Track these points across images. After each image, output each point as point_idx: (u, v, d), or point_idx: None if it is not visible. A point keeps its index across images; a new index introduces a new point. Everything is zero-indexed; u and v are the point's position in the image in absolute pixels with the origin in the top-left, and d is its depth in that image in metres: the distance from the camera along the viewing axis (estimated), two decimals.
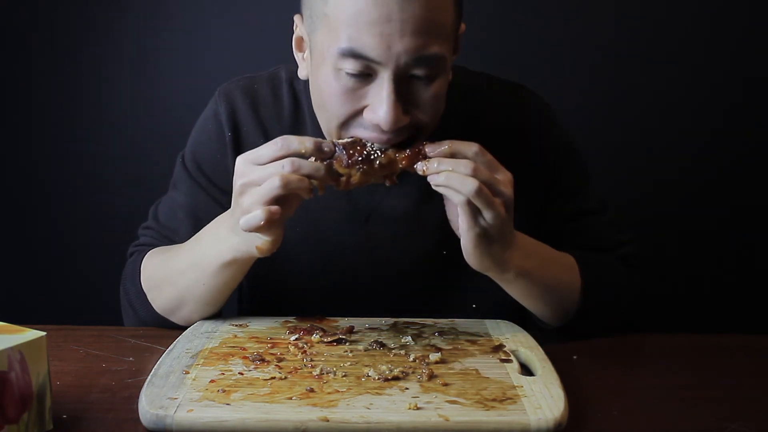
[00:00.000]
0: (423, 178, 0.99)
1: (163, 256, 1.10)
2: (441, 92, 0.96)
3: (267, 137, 1.10)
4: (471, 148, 0.91)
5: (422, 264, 1.13)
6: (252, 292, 1.21)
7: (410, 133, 0.96)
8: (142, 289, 1.09)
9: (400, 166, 0.94)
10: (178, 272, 1.05)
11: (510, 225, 0.94)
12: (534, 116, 1.15)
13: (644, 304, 1.16)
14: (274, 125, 1.13)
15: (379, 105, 0.92)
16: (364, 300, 1.13)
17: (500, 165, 0.92)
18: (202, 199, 1.15)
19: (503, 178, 0.92)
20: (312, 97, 1.02)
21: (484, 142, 1.03)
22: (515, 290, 1.04)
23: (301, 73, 1.04)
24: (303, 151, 0.89)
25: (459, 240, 0.96)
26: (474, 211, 0.90)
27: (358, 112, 0.95)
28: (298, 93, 1.13)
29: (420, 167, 0.92)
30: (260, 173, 0.89)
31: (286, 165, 0.88)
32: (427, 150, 0.92)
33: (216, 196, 1.14)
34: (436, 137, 0.99)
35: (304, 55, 1.03)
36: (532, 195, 1.11)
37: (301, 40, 1.03)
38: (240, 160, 0.91)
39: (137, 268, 1.11)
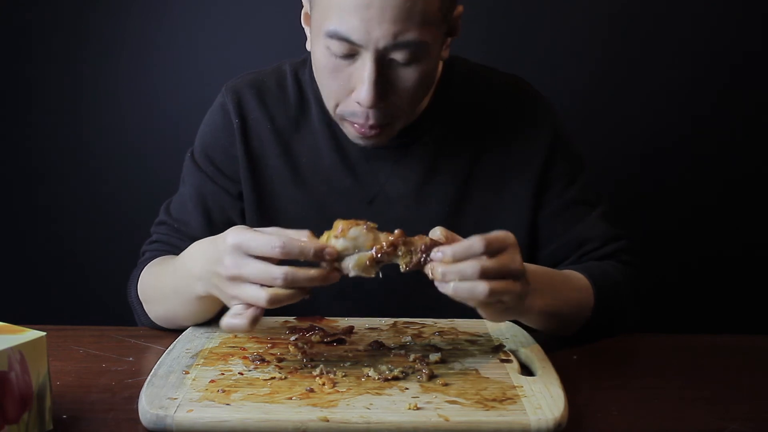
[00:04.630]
0: (426, 160, 1.11)
1: (155, 272, 1.11)
2: (423, 76, 1.01)
3: (273, 123, 1.17)
4: (475, 247, 0.84)
5: None
6: None
7: (391, 114, 1.02)
8: (139, 298, 1.12)
9: (404, 268, 0.86)
10: (163, 294, 1.06)
11: (526, 287, 0.90)
12: (530, 104, 1.19)
13: (637, 300, 1.16)
14: (280, 111, 1.18)
15: (361, 83, 0.98)
16: (369, 286, 1.13)
17: (503, 238, 0.87)
18: (210, 189, 1.18)
19: (509, 256, 0.87)
20: (316, 76, 1.08)
21: (482, 128, 1.14)
22: (531, 323, 1.04)
23: (307, 45, 1.08)
24: (303, 259, 0.85)
25: (461, 220, 1.11)
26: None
27: (349, 93, 1.01)
28: (302, 81, 1.18)
29: (428, 270, 0.85)
30: (252, 272, 0.84)
31: (277, 278, 0.83)
32: (432, 256, 0.85)
33: (224, 186, 1.18)
34: (437, 125, 1.09)
35: (310, 34, 1.07)
36: (527, 180, 1.16)
37: (308, 15, 1.07)
38: (233, 244, 0.85)
39: (138, 275, 1.14)
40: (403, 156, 1.15)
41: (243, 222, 1.17)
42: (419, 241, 0.85)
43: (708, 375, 0.98)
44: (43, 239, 1.94)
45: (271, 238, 0.84)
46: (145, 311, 1.11)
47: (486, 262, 0.84)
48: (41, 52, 1.85)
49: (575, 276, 1.08)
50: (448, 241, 0.87)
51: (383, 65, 0.98)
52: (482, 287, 0.83)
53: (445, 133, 1.16)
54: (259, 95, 1.18)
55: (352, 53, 0.98)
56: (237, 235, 0.86)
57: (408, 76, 1.00)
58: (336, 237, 0.85)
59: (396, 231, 0.86)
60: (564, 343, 1.05)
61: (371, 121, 1.02)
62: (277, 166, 1.17)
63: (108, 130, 1.89)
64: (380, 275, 0.87)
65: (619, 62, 1.83)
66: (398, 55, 0.97)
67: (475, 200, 1.16)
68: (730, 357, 1.04)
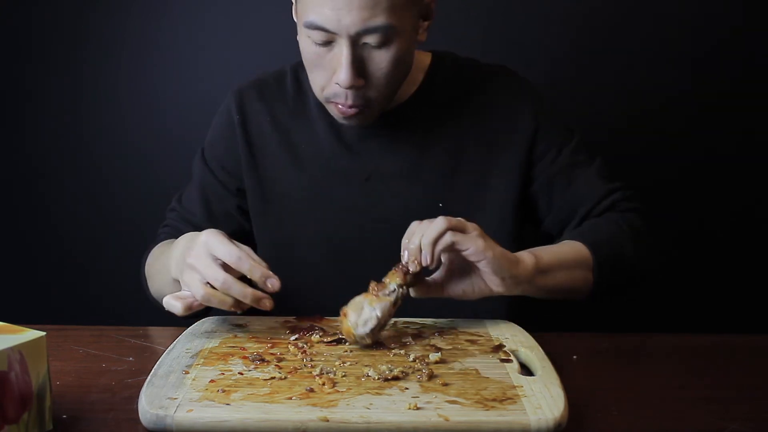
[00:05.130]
0: (417, 137, 1.22)
1: (156, 253, 1.22)
2: (396, 57, 1.09)
3: (273, 115, 1.26)
4: (439, 220, 1.00)
5: (420, 216, 1.13)
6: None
7: (369, 95, 1.11)
8: (145, 275, 1.24)
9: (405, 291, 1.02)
10: (157, 273, 1.18)
11: (495, 251, 1.01)
12: (514, 84, 1.26)
13: (650, 244, 1.19)
14: (278, 104, 1.27)
15: (339, 67, 1.08)
16: (367, 262, 1.16)
17: (466, 225, 1.01)
18: (210, 182, 1.28)
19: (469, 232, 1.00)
20: (305, 66, 1.16)
21: (470, 106, 1.23)
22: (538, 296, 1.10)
23: (299, 37, 1.14)
24: (249, 276, 0.96)
25: (454, 191, 1.21)
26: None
27: (331, 77, 1.10)
28: (301, 78, 1.27)
29: (410, 266, 1.00)
30: (203, 268, 0.96)
31: (218, 281, 0.95)
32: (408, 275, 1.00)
33: (223, 179, 1.28)
34: (426, 106, 1.21)
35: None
36: (515, 154, 1.22)
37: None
38: (204, 240, 0.97)
39: (147, 255, 1.25)
40: (396, 135, 1.22)
41: (241, 216, 1.28)
42: (392, 280, 1.00)
43: (708, 375, 0.98)
44: (43, 239, 1.94)
45: (236, 252, 0.96)
46: (150, 290, 1.23)
47: (441, 226, 0.99)
48: (41, 52, 1.85)
49: (570, 245, 1.13)
50: (445, 246, 0.99)
51: (357, 49, 1.07)
52: (441, 221, 0.99)
53: (434, 113, 1.23)
54: (260, 92, 1.28)
55: (329, 40, 1.07)
56: (210, 236, 0.98)
57: (381, 57, 1.08)
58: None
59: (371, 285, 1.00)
60: (564, 343, 1.05)
61: (350, 101, 1.10)
62: (276, 154, 1.25)
63: (108, 130, 1.88)
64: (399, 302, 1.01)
65: (620, 61, 1.83)
66: (370, 39, 1.06)
67: (467, 174, 1.22)
68: (730, 357, 1.04)
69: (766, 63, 1.82)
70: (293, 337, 1.01)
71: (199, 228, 1.19)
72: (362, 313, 0.96)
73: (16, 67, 1.87)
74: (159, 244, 1.24)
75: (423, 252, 0.98)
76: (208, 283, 0.96)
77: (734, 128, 1.84)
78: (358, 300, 0.98)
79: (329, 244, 1.23)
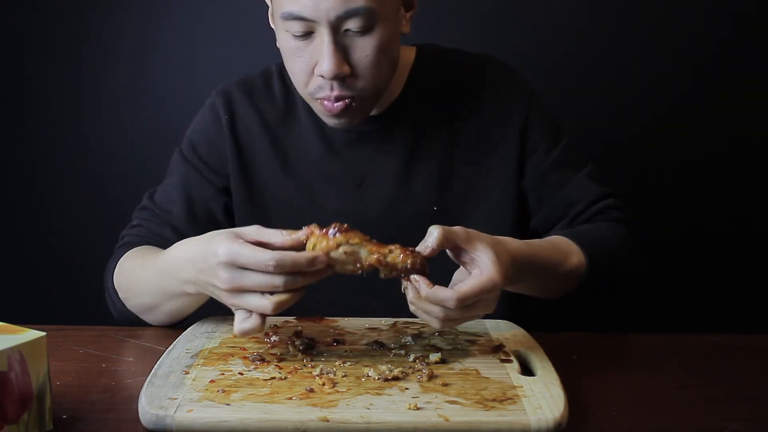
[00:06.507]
0: (408, 140, 1.18)
1: (134, 264, 1.11)
2: (380, 44, 1.05)
3: (262, 117, 1.22)
4: (446, 303, 0.87)
5: (415, 221, 1.14)
6: None
7: (355, 87, 1.05)
8: (115, 287, 1.13)
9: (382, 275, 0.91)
10: (143, 288, 1.08)
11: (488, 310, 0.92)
12: (502, 78, 1.22)
13: (636, 256, 1.17)
14: (267, 107, 1.22)
15: (321, 57, 1.03)
16: (363, 295, 1.15)
17: (479, 292, 0.88)
18: (195, 180, 1.21)
19: (480, 308, 0.90)
20: (285, 64, 1.11)
21: (459, 105, 1.19)
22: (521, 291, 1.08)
23: (278, 43, 1.11)
24: (296, 270, 0.87)
25: (448, 196, 1.17)
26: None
27: (313, 70, 1.06)
28: (288, 79, 1.19)
29: (403, 287, 0.90)
30: (253, 283, 0.87)
31: (280, 286, 0.86)
32: (412, 276, 0.89)
33: (209, 178, 1.21)
34: (414, 107, 1.17)
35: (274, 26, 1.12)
36: (509, 147, 1.19)
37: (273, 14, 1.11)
38: (226, 260, 0.87)
39: (115, 265, 1.15)
40: (386, 139, 1.19)
41: (224, 217, 1.21)
42: (401, 261, 0.88)
43: (708, 375, 0.98)
44: (43, 239, 1.94)
45: (263, 257, 0.85)
46: (121, 300, 1.12)
47: (451, 313, 0.88)
48: (41, 51, 1.85)
49: (563, 243, 1.09)
50: (446, 243, 0.89)
51: (339, 36, 1.03)
52: (434, 323, 0.90)
53: (423, 114, 1.20)
54: (248, 94, 1.23)
55: (309, 30, 1.03)
56: (228, 250, 0.87)
57: (364, 44, 1.04)
58: (329, 248, 0.87)
59: (373, 258, 0.88)
60: (564, 343, 1.05)
61: (335, 92, 1.05)
62: (265, 158, 1.21)
63: (108, 130, 1.88)
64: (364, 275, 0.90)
65: (620, 61, 1.83)
66: (351, 24, 1.02)
67: (460, 176, 1.20)
68: (730, 357, 1.04)
69: (766, 63, 1.82)
70: (274, 338, 0.99)
71: (176, 228, 1.17)
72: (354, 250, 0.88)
73: (16, 67, 1.86)
74: (127, 256, 1.14)
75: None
76: (264, 293, 0.88)
77: (735, 129, 1.84)
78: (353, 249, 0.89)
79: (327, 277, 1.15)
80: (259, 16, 1.80)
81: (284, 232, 0.88)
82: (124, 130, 1.88)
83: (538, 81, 1.28)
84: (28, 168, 1.92)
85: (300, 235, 0.88)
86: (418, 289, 0.88)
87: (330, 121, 1.12)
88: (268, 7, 1.13)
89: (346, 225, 0.89)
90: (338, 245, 0.87)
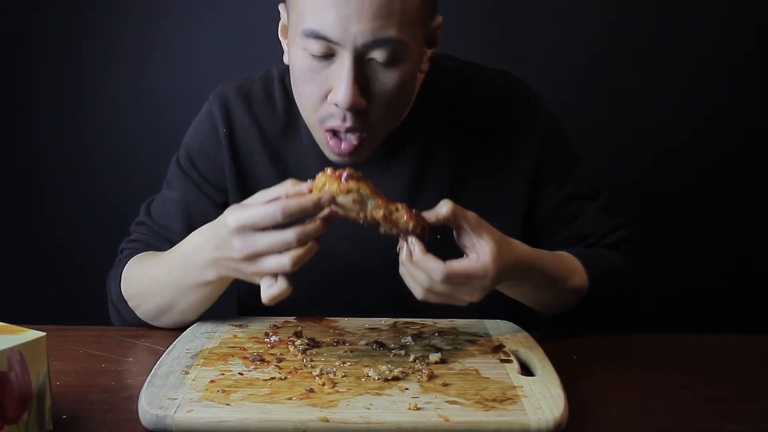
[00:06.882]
0: (415, 165, 1.12)
1: (143, 266, 1.10)
2: (402, 81, 0.98)
3: (261, 131, 1.15)
4: (433, 272, 0.88)
5: None
6: (250, 291, 1.21)
7: (369, 121, 0.99)
8: (123, 296, 1.11)
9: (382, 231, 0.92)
10: (157, 287, 1.05)
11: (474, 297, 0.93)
12: (519, 100, 1.16)
13: (636, 292, 1.17)
14: (267, 119, 1.16)
15: (338, 84, 0.95)
16: (361, 291, 1.14)
17: (472, 274, 0.89)
18: (194, 196, 1.17)
19: (466, 291, 0.91)
20: (292, 84, 1.05)
21: (470, 129, 1.12)
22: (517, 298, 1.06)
23: (285, 59, 1.06)
24: (303, 216, 0.87)
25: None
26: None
27: (325, 96, 0.98)
28: (290, 89, 1.14)
29: (400, 243, 0.91)
30: (266, 245, 0.87)
31: (293, 241, 0.86)
32: (410, 236, 0.90)
33: (208, 193, 1.17)
34: (423, 130, 1.09)
35: (287, 41, 1.06)
36: (520, 180, 1.14)
37: (285, 27, 1.06)
38: (236, 226, 0.88)
39: (120, 273, 1.12)
40: (391, 163, 1.13)
41: None
42: (404, 222, 0.89)
43: (708, 375, 0.97)
44: (43, 239, 1.94)
45: (270, 208, 0.86)
46: (130, 309, 1.10)
47: (436, 285, 0.89)
48: (41, 51, 1.85)
49: (570, 260, 1.08)
50: (453, 221, 0.91)
51: (362, 64, 0.95)
52: (418, 291, 0.91)
53: (432, 138, 1.14)
54: (247, 103, 1.16)
55: (329, 53, 0.95)
56: (236, 216, 0.88)
57: (387, 79, 0.97)
58: (338, 191, 0.88)
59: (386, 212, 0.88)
60: (564, 343, 1.05)
61: (348, 123, 0.98)
62: (265, 174, 1.15)
63: (108, 130, 1.88)
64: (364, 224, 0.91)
65: (620, 60, 1.83)
66: (377, 54, 0.95)
67: (468, 204, 1.14)
68: (731, 357, 1.04)
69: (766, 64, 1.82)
70: (274, 338, 1.00)
71: (174, 244, 1.08)
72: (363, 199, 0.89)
73: (16, 67, 1.87)
74: (132, 262, 1.12)
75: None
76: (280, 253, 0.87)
77: (735, 129, 1.84)
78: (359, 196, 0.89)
79: (324, 272, 1.11)
80: (259, 17, 1.81)
81: (289, 182, 0.89)
82: (124, 130, 1.88)
83: (546, 90, 1.27)
84: (28, 168, 1.92)
85: (304, 186, 0.89)
86: (411, 252, 0.89)
87: (335, 159, 1.04)
88: (272, 10, 1.09)
89: (359, 173, 0.90)
90: (348, 191, 0.88)
